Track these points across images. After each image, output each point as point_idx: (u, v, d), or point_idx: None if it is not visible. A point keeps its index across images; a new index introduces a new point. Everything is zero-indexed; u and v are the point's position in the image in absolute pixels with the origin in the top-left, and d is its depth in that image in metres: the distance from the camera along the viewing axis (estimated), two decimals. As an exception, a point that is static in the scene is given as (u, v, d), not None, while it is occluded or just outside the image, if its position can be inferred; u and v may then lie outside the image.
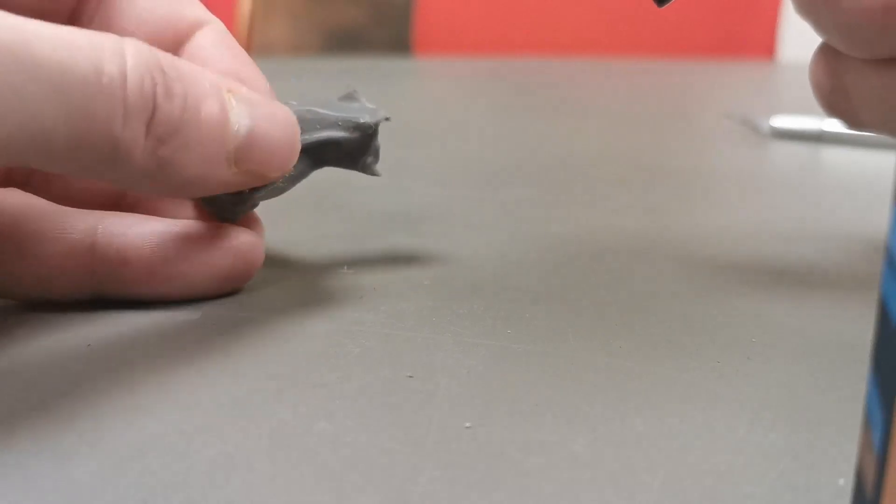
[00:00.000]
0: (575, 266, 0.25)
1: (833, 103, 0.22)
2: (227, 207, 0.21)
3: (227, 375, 0.17)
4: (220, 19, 0.22)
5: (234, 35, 0.21)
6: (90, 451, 0.14)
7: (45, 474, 0.14)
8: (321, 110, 0.22)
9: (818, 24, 0.20)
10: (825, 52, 0.21)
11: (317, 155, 0.22)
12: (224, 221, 0.21)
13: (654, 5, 0.22)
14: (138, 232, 0.20)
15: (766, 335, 0.20)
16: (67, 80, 0.15)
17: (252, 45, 1.36)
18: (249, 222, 0.22)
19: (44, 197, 0.21)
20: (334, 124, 0.22)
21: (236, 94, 0.19)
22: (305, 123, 0.22)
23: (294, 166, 0.21)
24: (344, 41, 1.49)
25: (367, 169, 0.23)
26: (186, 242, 0.20)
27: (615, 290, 0.23)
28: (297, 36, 1.45)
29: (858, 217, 0.32)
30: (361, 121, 0.22)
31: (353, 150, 0.22)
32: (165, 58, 0.18)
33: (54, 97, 0.15)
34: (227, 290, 0.21)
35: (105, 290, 0.20)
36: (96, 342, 0.19)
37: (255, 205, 0.22)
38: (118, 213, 0.21)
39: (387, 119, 0.23)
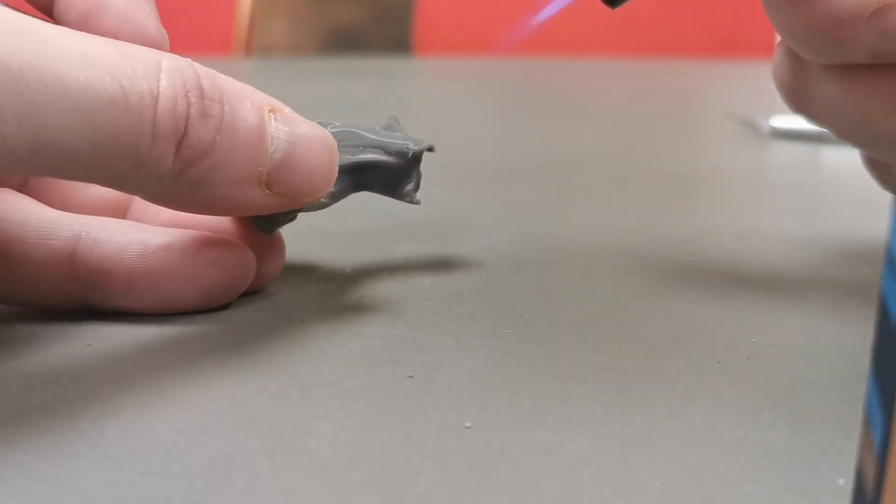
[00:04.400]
0: (575, 266, 0.25)
1: (795, 101, 0.22)
2: (264, 218, 0.21)
3: (227, 375, 0.17)
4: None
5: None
6: (90, 451, 0.14)
7: (45, 474, 0.14)
8: (364, 133, 0.22)
9: (780, 29, 0.20)
10: (788, 50, 0.22)
11: (357, 177, 0.21)
12: (261, 231, 0.21)
13: (607, 7, 0.22)
14: (121, 241, 0.20)
15: (766, 335, 0.20)
16: (92, 99, 0.15)
17: (252, 45, 1.36)
18: (270, 241, 0.22)
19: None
20: (377, 148, 0.22)
21: (278, 114, 0.19)
22: (348, 144, 0.21)
23: (336, 183, 0.21)
24: (344, 41, 1.49)
25: (406, 196, 0.22)
26: (171, 254, 0.20)
27: (615, 290, 0.23)
28: (297, 36, 1.45)
29: (858, 217, 0.32)
30: (405, 147, 0.22)
31: (394, 175, 0.22)
32: (207, 77, 0.17)
33: (78, 116, 0.15)
34: (212, 305, 0.20)
35: (89, 299, 0.20)
36: (96, 342, 0.19)
37: (294, 218, 0.21)
38: (106, 219, 0.20)
39: (430, 150, 0.22)
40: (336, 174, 0.20)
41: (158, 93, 0.16)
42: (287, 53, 1.45)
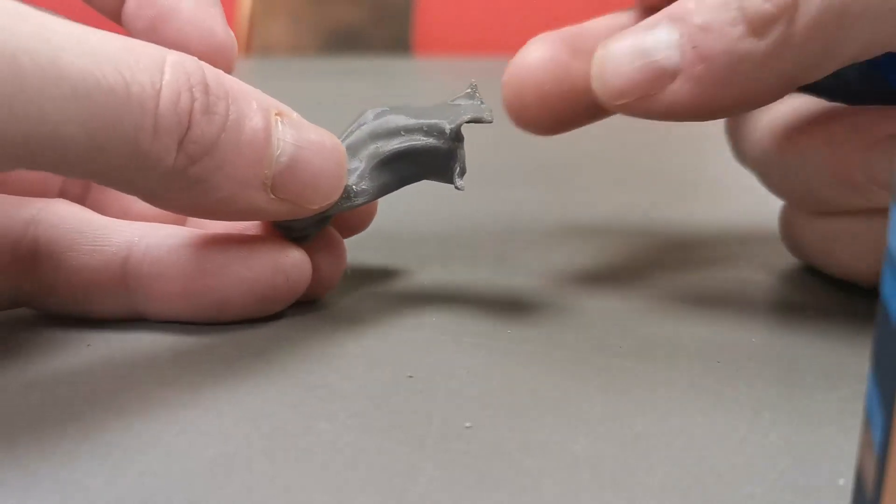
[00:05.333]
0: (575, 266, 0.25)
1: (791, 247, 0.24)
2: (295, 226, 0.20)
3: (227, 376, 0.17)
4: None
5: (235, 35, 0.20)
6: (90, 451, 0.14)
7: (45, 474, 0.14)
8: (404, 117, 0.20)
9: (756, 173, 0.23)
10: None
11: (401, 167, 0.20)
12: (296, 241, 0.20)
13: None
14: (173, 245, 0.19)
15: (766, 335, 0.20)
16: (90, 87, 0.15)
17: (252, 45, 1.36)
18: (329, 244, 0.21)
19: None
20: (415, 131, 0.20)
21: (285, 118, 0.18)
22: (382, 134, 0.20)
23: (372, 178, 0.20)
24: (344, 41, 1.49)
25: (455, 181, 0.20)
26: (224, 255, 0.19)
27: (615, 289, 0.23)
28: (297, 36, 1.45)
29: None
30: (441, 125, 0.20)
31: (441, 158, 0.20)
32: (212, 74, 0.17)
33: (75, 103, 0.15)
34: (267, 311, 0.20)
35: (141, 308, 0.19)
36: (96, 343, 0.19)
37: (327, 220, 0.20)
38: (159, 225, 0.20)
39: (477, 121, 0.20)
40: (344, 181, 0.19)
41: (161, 86, 0.16)
42: (287, 53, 1.45)
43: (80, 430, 0.15)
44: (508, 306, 0.21)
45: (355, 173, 0.20)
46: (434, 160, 0.20)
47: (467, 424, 0.15)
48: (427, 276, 0.24)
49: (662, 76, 0.19)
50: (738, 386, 0.17)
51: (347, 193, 0.19)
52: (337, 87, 0.77)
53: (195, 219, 0.22)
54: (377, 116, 0.20)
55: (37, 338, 0.19)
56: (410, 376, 0.17)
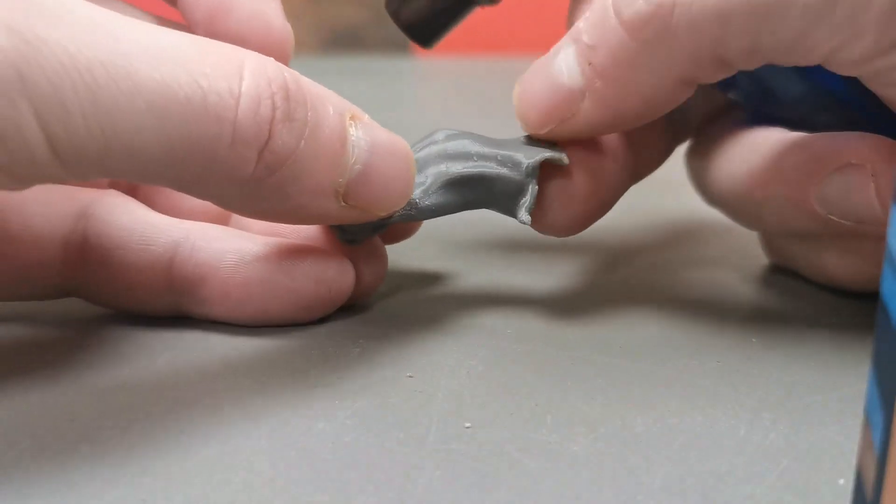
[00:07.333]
0: (575, 266, 0.25)
1: (776, 262, 0.24)
2: (351, 230, 0.19)
3: (226, 375, 0.17)
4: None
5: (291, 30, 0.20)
6: (90, 451, 0.14)
7: (45, 474, 0.14)
8: (477, 143, 0.20)
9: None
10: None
11: (465, 191, 0.20)
12: (347, 244, 0.20)
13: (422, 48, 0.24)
14: (218, 249, 0.19)
15: (766, 335, 0.20)
16: (165, 98, 0.14)
17: (252, 45, 1.36)
18: (371, 252, 0.20)
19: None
20: (489, 159, 0.19)
21: (358, 121, 0.17)
22: (456, 155, 0.20)
23: (436, 195, 0.19)
24: (344, 41, 1.49)
25: (518, 214, 0.19)
26: (267, 264, 0.19)
27: (615, 289, 0.23)
28: (297, 36, 1.45)
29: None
30: (518, 158, 0.19)
31: (509, 190, 0.19)
32: (292, 78, 0.16)
33: (150, 115, 0.14)
34: (308, 318, 0.20)
35: (183, 308, 0.19)
36: (96, 342, 0.19)
37: (383, 228, 0.20)
38: (207, 225, 0.19)
39: (555, 161, 0.19)
40: (412, 189, 0.19)
41: (240, 93, 0.15)
42: (287, 53, 1.44)
43: (80, 430, 0.15)
44: (509, 306, 0.21)
45: (420, 188, 0.19)
46: (503, 191, 0.20)
47: (467, 424, 0.15)
48: (427, 277, 0.24)
49: (572, 98, 0.18)
50: (738, 386, 0.17)
51: (410, 205, 0.19)
52: (337, 87, 0.77)
53: (239, 218, 0.21)
54: (448, 138, 0.20)
55: (36, 338, 0.19)
56: (410, 376, 0.17)
